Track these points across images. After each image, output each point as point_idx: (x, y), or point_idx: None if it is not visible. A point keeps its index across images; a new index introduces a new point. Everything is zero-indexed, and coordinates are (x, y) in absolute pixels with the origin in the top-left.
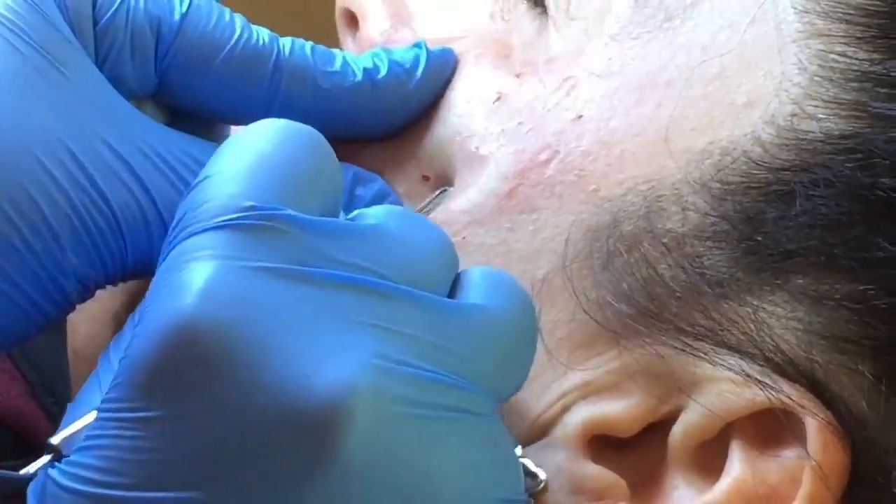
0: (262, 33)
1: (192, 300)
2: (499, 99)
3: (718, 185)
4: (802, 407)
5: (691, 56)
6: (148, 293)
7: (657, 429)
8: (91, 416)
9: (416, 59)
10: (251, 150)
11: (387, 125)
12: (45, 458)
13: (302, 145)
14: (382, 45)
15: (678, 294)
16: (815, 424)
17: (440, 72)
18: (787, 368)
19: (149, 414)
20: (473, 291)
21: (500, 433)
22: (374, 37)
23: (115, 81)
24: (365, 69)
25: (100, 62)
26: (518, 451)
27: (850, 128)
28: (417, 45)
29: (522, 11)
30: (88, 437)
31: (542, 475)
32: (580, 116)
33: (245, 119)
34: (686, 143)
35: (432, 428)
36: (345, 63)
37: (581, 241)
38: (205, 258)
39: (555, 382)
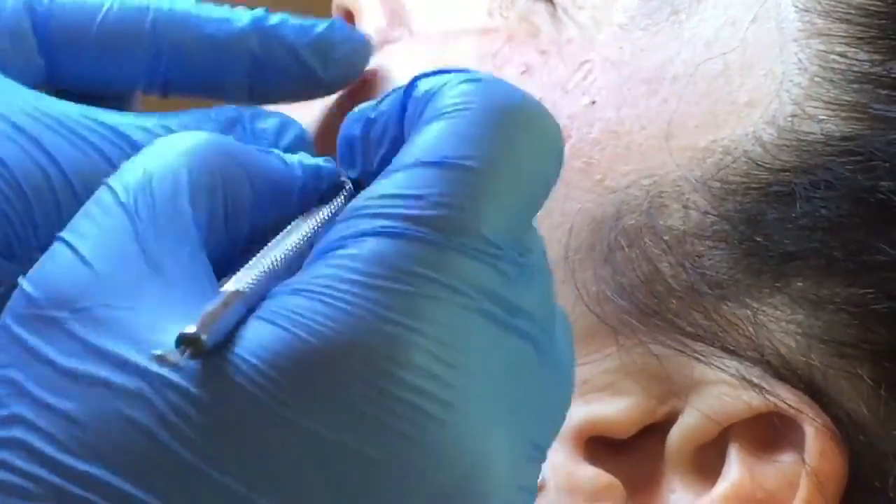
0: None
1: (414, 336)
2: (525, 71)
3: (719, 184)
4: (800, 412)
5: (696, 52)
6: (325, 271)
7: (655, 431)
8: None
9: (330, 38)
10: (505, 148)
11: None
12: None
13: (550, 153)
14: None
15: (678, 293)
16: (812, 430)
17: (356, 58)
18: (785, 372)
19: (306, 424)
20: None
21: None
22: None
23: (3, 68)
24: (255, 16)
25: None
26: None
27: (851, 129)
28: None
29: (524, 4)
30: None
31: (540, 475)
32: (593, 102)
33: (134, 82)
34: (689, 141)
35: None
36: (232, 9)
37: (585, 232)
38: (429, 282)
39: None
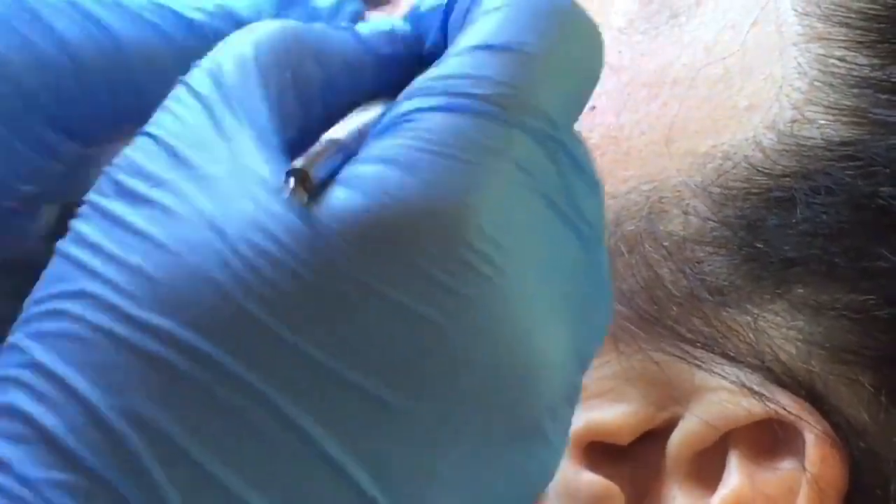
0: None
1: (483, 203)
2: None
3: (719, 189)
4: (800, 419)
5: (696, 56)
6: (398, 139)
7: (654, 437)
8: (332, 146)
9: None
10: (557, 37)
11: None
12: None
13: (594, 46)
14: None
15: (678, 299)
16: (812, 437)
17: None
18: (785, 379)
19: (379, 286)
20: None
21: None
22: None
23: None
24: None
25: None
26: None
27: (851, 134)
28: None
29: None
30: None
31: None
32: (593, 108)
33: None
34: (689, 145)
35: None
36: None
37: None
38: (496, 155)
39: None
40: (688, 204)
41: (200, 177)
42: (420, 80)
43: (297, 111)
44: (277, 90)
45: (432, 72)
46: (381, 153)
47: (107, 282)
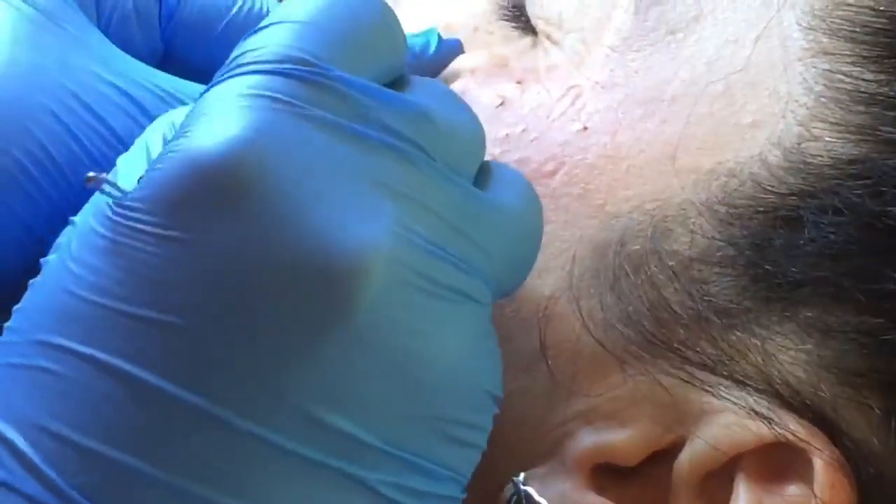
0: (266, 1)
1: (240, 131)
2: (502, 104)
3: (725, 208)
4: (809, 443)
5: (696, 71)
6: (186, 117)
7: (661, 458)
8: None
9: (427, 43)
10: (316, 4)
11: None
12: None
13: (367, 9)
14: None
15: (684, 321)
16: (821, 462)
17: (449, 59)
18: (794, 402)
19: (167, 232)
20: (495, 184)
21: (490, 326)
22: None
23: (124, 47)
24: None
25: (103, 28)
26: (521, 477)
27: (858, 152)
28: (429, 31)
29: (507, 29)
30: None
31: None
32: (586, 128)
33: None
34: (692, 163)
35: (437, 307)
36: None
37: (588, 259)
38: (256, 96)
39: (558, 406)
40: (693, 223)
41: None
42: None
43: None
44: None
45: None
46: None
47: (7, 329)
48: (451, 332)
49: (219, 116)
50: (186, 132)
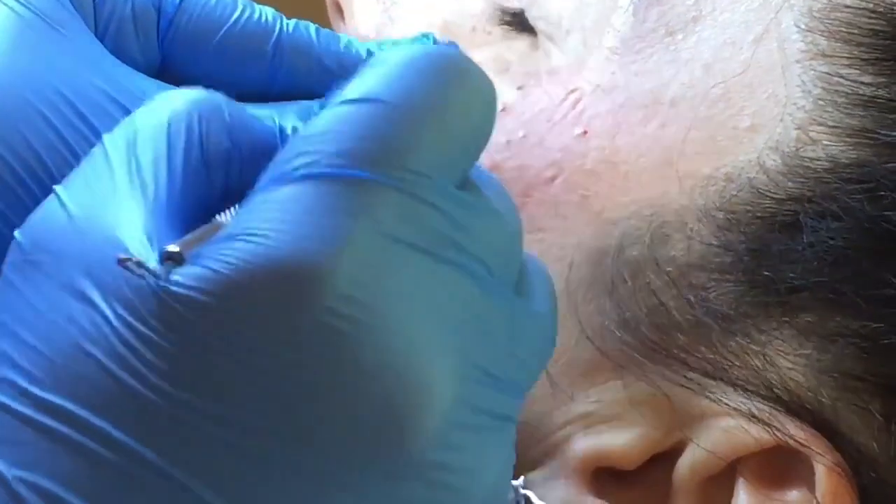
0: (266, 11)
1: (333, 255)
2: (503, 109)
3: (723, 214)
4: (809, 448)
5: (694, 74)
6: (256, 215)
7: (661, 462)
8: (214, 228)
9: None
10: (422, 87)
11: None
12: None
13: (476, 97)
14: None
15: (683, 327)
16: (822, 467)
17: None
18: (794, 407)
19: (229, 339)
20: (532, 288)
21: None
22: (362, 34)
23: (120, 55)
24: (369, 51)
25: (100, 34)
26: (520, 481)
27: (857, 155)
28: (425, 36)
29: (505, 29)
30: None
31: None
32: (585, 132)
33: (247, 97)
34: (690, 168)
35: (485, 440)
36: (349, 44)
37: (585, 265)
38: (351, 213)
39: (557, 410)
40: (691, 228)
41: (83, 242)
42: (284, 148)
43: (201, 177)
44: (182, 157)
45: (294, 137)
46: (233, 229)
47: (16, 365)
48: (493, 462)
49: (300, 229)
50: (259, 235)
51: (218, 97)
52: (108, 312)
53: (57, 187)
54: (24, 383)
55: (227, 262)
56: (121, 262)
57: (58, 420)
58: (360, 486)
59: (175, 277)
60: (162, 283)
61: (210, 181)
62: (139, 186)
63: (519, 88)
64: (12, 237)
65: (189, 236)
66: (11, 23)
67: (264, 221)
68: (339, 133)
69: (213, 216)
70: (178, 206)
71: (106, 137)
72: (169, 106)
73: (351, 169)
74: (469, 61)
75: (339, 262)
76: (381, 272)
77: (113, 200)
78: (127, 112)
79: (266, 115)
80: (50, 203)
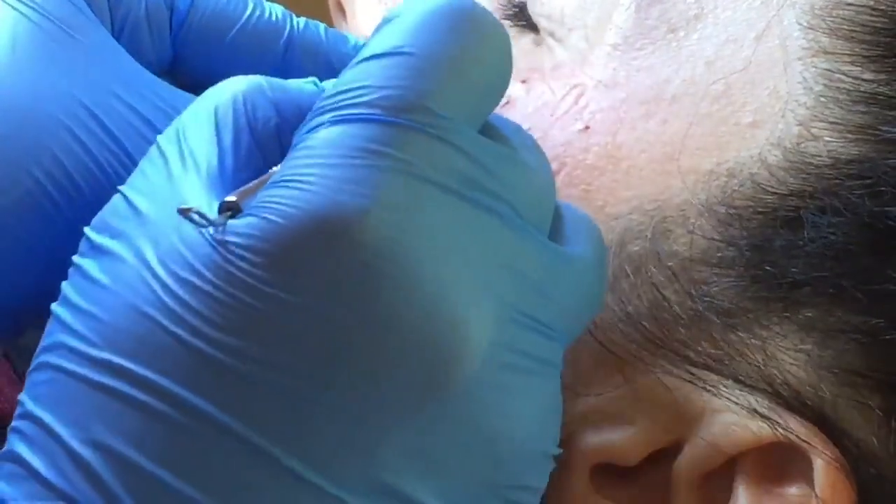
0: (276, 10)
1: (368, 202)
2: (507, 103)
3: (725, 209)
4: (809, 443)
5: (696, 71)
6: (299, 161)
7: (662, 458)
8: (267, 178)
9: None
10: (441, 37)
11: None
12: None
13: (492, 44)
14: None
15: (685, 321)
16: (822, 462)
17: None
18: (794, 402)
19: (278, 291)
20: (568, 232)
21: (560, 384)
22: (364, 33)
23: (134, 53)
24: None
25: (116, 33)
26: None
27: (858, 152)
28: None
29: (508, 26)
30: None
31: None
32: (587, 127)
33: None
34: (692, 163)
35: (525, 382)
36: (356, 45)
37: None
38: (377, 154)
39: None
40: (693, 223)
41: (145, 222)
42: (317, 102)
43: (253, 152)
44: (232, 136)
45: (326, 92)
46: (279, 177)
47: (72, 330)
48: (532, 405)
49: (341, 173)
50: (303, 182)
51: (258, 78)
52: (162, 272)
53: (120, 187)
54: (80, 346)
55: (273, 209)
56: (182, 211)
57: (113, 377)
58: (406, 427)
59: (230, 226)
60: (218, 236)
61: (265, 155)
62: (193, 168)
63: (523, 82)
64: (41, 252)
65: (245, 187)
66: (32, 31)
67: (306, 167)
68: (369, 84)
69: None
70: (235, 182)
71: (159, 137)
72: (214, 95)
73: (382, 116)
74: (484, 11)
75: (376, 204)
76: (414, 212)
77: (169, 185)
78: (150, 123)
79: (306, 82)
80: (115, 198)
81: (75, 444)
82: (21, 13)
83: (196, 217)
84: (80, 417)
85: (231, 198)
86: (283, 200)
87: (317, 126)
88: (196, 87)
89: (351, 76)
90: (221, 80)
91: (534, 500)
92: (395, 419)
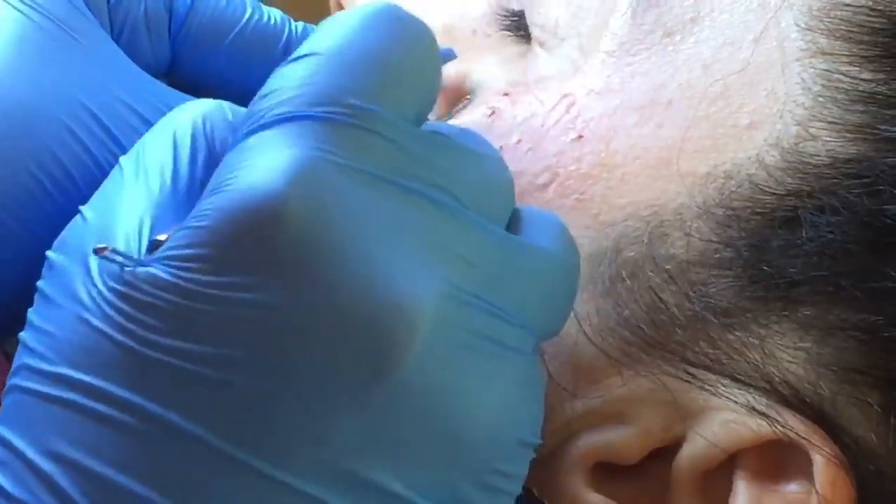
0: (275, 14)
1: (285, 184)
2: (493, 114)
3: (722, 210)
4: (809, 441)
5: (693, 74)
6: (224, 171)
7: (661, 456)
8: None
9: None
10: (356, 36)
11: None
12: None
13: (410, 38)
14: None
15: (682, 322)
16: (821, 459)
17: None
18: (793, 400)
19: (211, 290)
20: (528, 229)
21: (535, 374)
22: None
23: (133, 56)
24: None
25: (115, 35)
26: None
27: (856, 151)
28: None
29: (503, 35)
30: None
31: None
32: (580, 137)
33: (251, 95)
34: (689, 167)
35: (480, 362)
36: None
37: (583, 268)
38: (299, 146)
39: (559, 409)
40: (690, 226)
41: (91, 232)
42: (243, 115)
43: (210, 171)
44: (189, 154)
45: (250, 104)
46: (211, 185)
47: (31, 350)
48: (492, 387)
49: (261, 169)
50: (230, 180)
51: (220, 102)
52: (101, 284)
53: (81, 207)
54: (36, 363)
55: (199, 216)
56: (97, 251)
57: (67, 389)
58: (357, 411)
59: (154, 257)
60: (128, 268)
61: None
62: (144, 182)
63: (506, 95)
64: (37, 248)
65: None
66: (25, 29)
67: (228, 173)
68: (281, 88)
69: None
70: (190, 198)
71: (122, 158)
72: (175, 115)
73: (294, 113)
74: (401, 10)
75: (291, 186)
76: (336, 195)
77: (119, 202)
78: (150, 124)
79: None
80: (74, 220)
81: (37, 459)
82: (22, 13)
83: (111, 255)
84: (39, 432)
85: (161, 237)
86: (207, 206)
87: (238, 138)
88: (194, 89)
89: (268, 84)
90: (219, 83)
91: (514, 487)
92: (343, 402)
